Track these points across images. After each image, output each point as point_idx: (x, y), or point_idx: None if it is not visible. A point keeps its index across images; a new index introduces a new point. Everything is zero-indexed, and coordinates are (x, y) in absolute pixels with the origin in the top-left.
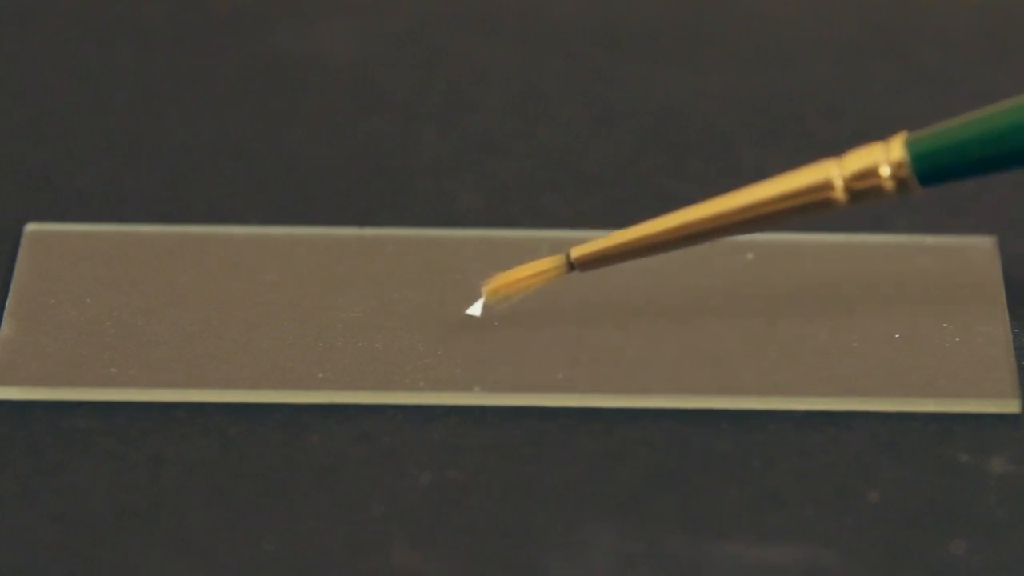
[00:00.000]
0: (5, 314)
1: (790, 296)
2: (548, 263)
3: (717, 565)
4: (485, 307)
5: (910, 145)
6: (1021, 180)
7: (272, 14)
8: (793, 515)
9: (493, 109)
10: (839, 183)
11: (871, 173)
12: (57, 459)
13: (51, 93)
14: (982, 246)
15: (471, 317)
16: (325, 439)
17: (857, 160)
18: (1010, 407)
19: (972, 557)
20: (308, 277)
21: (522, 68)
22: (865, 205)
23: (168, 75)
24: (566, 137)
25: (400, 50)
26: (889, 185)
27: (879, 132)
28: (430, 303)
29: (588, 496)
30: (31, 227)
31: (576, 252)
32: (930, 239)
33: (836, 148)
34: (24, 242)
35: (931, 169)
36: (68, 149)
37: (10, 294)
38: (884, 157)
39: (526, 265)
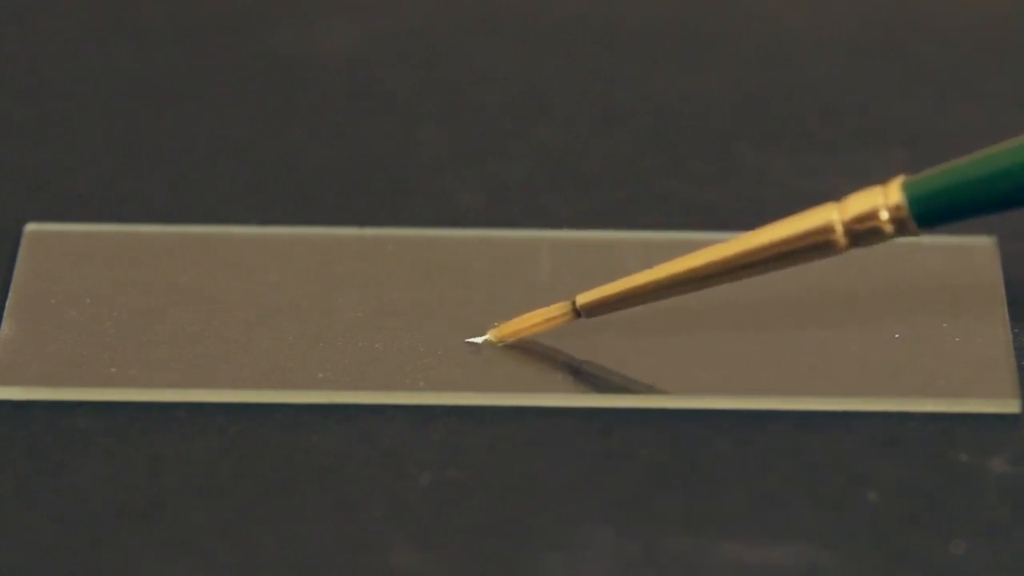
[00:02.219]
0: (5, 314)
1: (790, 296)
2: (554, 310)
3: (717, 565)
4: (492, 343)
5: (907, 188)
6: None
7: (272, 14)
8: (793, 515)
9: (493, 109)
10: (839, 227)
11: (871, 216)
12: (57, 459)
13: (51, 93)
14: (982, 246)
15: (471, 317)
16: (325, 439)
17: (857, 204)
18: (1010, 407)
19: (972, 557)
20: (308, 277)
21: (522, 68)
22: (865, 246)
23: (168, 75)
24: (566, 137)
25: (400, 50)
26: (888, 228)
27: (879, 132)
28: (430, 303)
29: (588, 496)
30: (31, 227)
31: (582, 299)
32: (930, 239)
33: (836, 148)
34: (24, 242)
35: (928, 212)
36: (68, 149)
37: (10, 294)
38: (883, 201)
39: (532, 313)
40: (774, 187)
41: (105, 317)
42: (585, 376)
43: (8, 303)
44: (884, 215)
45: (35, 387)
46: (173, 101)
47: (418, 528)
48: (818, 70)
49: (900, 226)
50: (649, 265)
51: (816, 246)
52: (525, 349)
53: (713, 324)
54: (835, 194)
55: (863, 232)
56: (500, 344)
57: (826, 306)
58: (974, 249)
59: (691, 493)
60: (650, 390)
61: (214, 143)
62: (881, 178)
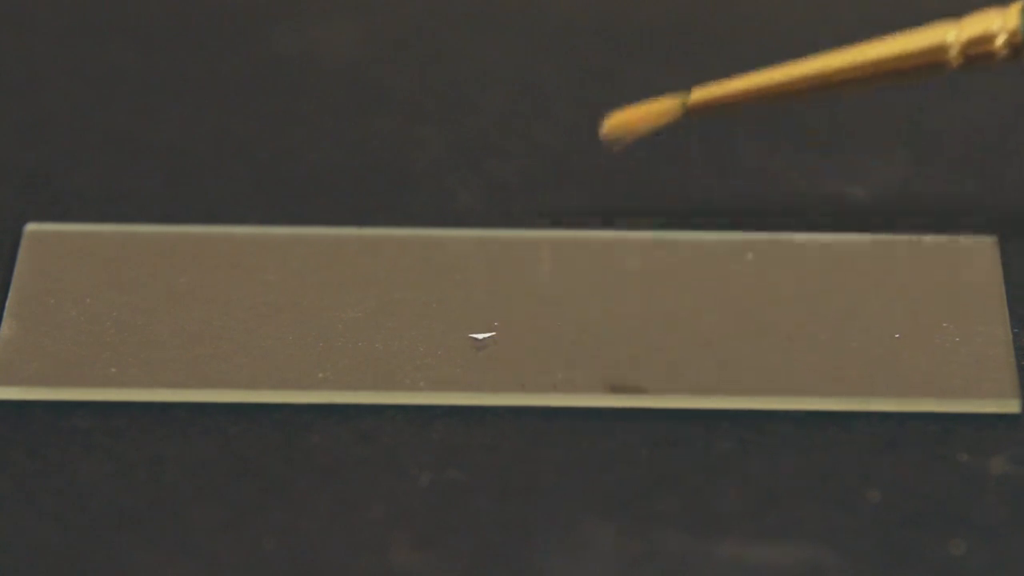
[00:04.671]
0: (5, 314)
1: (790, 296)
2: (664, 105)
3: (717, 565)
4: (603, 138)
5: None
6: (1021, 180)
7: (272, 14)
8: (793, 515)
9: (493, 109)
10: (955, 48)
11: (987, 39)
12: (57, 459)
13: (51, 93)
14: (982, 246)
15: (471, 317)
16: (325, 439)
17: (974, 25)
18: (1010, 407)
19: (972, 557)
20: (308, 277)
21: (522, 68)
22: (976, 69)
23: (168, 75)
24: (566, 137)
25: (400, 50)
26: (1003, 52)
27: (879, 132)
28: (430, 303)
29: (588, 496)
30: (31, 227)
31: (694, 96)
32: (930, 239)
33: (836, 148)
34: (24, 242)
35: None
36: (68, 149)
37: (10, 294)
38: (1001, 24)
39: (642, 104)
40: (774, 187)
41: (105, 317)
42: (585, 376)
43: (8, 303)
44: (1000, 39)
45: (35, 387)
46: (173, 101)
47: (418, 528)
48: None
49: (1015, 51)
50: (649, 263)
51: (929, 65)
52: (525, 349)
53: (712, 324)
54: (836, 194)
55: (977, 55)
56: (612, 138)
57: (826, 306)
58: (974, 249)
59: (691, 493)
60: (650, 390)
61: (214, 143)
62: (882, 177)
